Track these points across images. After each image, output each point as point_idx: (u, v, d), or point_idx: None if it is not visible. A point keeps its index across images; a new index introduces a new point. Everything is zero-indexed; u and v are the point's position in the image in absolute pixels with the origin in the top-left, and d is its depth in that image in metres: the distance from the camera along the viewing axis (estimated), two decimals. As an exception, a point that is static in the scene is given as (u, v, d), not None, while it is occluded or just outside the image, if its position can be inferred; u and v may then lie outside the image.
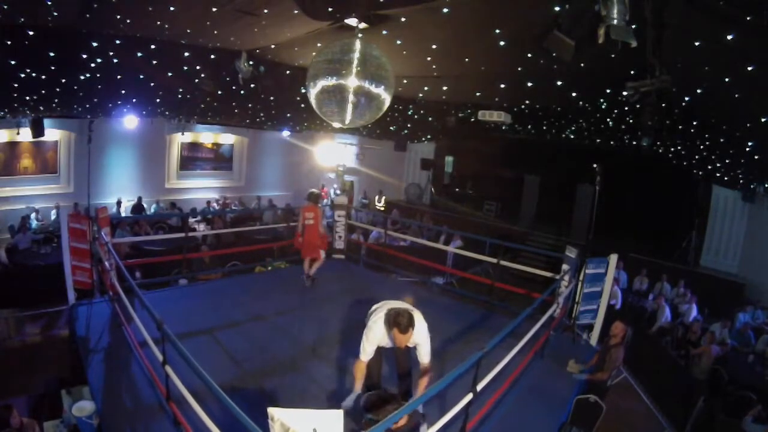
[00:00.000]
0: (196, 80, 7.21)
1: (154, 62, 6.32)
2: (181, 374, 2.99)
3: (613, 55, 4.39)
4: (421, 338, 3.12)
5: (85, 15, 4.64)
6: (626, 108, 6.95)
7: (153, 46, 5.85)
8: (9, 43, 5.12)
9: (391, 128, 13.02)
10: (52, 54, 5.63)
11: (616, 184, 8.34)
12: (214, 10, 4.52)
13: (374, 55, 4.43)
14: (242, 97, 8.52)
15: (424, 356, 3.18)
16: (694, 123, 7.01)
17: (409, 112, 10.72)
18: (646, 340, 7.48)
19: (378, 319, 3.15)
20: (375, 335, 3.14)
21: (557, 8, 3.88)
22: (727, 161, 8.46)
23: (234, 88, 7.54)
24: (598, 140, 10.90)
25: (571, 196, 12.72)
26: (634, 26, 3.33)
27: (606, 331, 5.43)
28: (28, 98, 7.73)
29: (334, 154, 15.78)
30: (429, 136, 15.07)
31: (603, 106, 7.58)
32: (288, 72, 7.37)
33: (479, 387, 2.94)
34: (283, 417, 1.86)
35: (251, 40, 5.89)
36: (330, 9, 4.54)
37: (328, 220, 7.58)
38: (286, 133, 14.83)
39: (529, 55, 5.37)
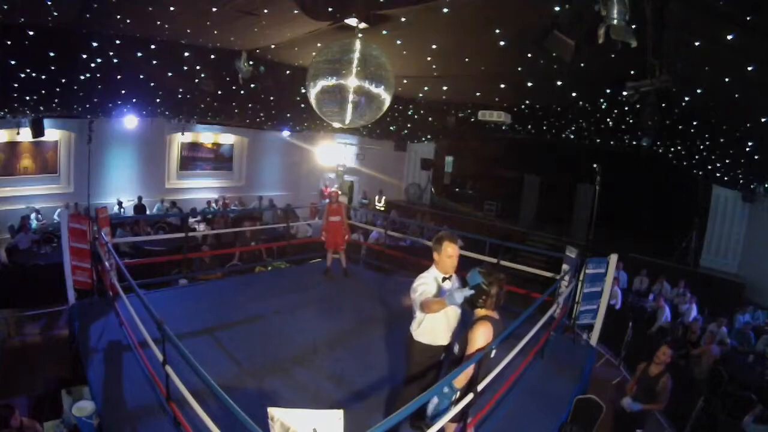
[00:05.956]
0: (196, 80, 7.21)
1: (154, 62, 6.33)
2: (181, 374, 2.99)
3: (613, 55, 4.39)
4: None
5: (85, 15, 4.64)
6: (626, 108, 6.95)
7: (153, 46, 5.86)
8: (9, 43, 5.12)
9: (391, 128, 13.02)
10: (52, 54, 5.63)
11: (616, 184, 8.34)
12: (214, 10, 4.53)
13: (374, 55, 4.43)
14: (242, 97, 8.52)
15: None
16: (694, 123, 7.01)
17: (409, 112, 10.71)
18: (646, 340, 7.46)
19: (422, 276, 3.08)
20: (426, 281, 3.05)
21: (557, 8, 3.88)
22: (727, 161, 8.45)
23: (234, 88, 7.54)
24: (598, 140, 10.88)
25: (571, 196, 12.72)
26: (634, 26, 3.34)
27: (606, 330, 5.44)
28: (28, 98, 7.73)
29: (334, 154, 15.77)
30: (429, 136, 15.06)
31: (603, 106, 7.58)
32: (288, 72, 7.37)
33: (479, 387, 2.93)
34: (283, 417, 1.86)
35: (251, 40, 5.89)
36: (330, 9, 4.54)
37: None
38: (286, 133, 14.82)
39: (529, 55, 5.37)
